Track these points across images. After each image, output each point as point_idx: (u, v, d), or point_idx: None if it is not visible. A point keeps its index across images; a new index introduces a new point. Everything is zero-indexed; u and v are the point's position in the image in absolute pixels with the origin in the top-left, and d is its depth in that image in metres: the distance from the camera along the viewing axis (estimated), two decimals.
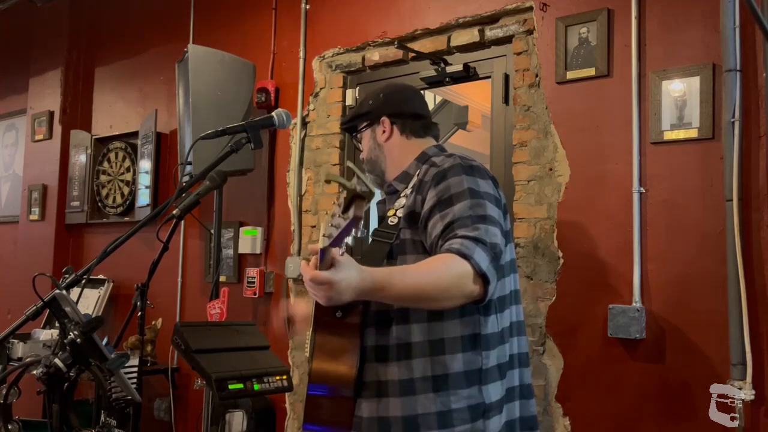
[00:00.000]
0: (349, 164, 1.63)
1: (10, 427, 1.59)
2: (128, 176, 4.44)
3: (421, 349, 1.53)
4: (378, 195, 1.74)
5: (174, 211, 1.80)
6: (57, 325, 1.63)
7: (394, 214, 1.62)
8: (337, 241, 1.23)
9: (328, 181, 1.50)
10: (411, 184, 1.66)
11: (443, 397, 1.50)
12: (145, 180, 4.27)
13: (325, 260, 1.28)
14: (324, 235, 1.26)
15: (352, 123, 1.85)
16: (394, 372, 1.54)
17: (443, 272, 1.39)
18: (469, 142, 4.94)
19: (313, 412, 1.56)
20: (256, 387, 2.43)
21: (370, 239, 1.65)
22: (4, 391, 1.59)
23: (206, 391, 3.18)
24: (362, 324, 1.55)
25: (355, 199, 1.17)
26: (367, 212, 1.81)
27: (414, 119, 1.78)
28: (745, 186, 2.26)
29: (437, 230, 1.50)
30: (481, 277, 1.40)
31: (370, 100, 1.81)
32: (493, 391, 1.53)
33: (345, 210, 1.19)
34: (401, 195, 1.66)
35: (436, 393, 1.51)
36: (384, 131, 1.76)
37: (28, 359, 1.64)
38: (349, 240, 1.35)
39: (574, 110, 2.66)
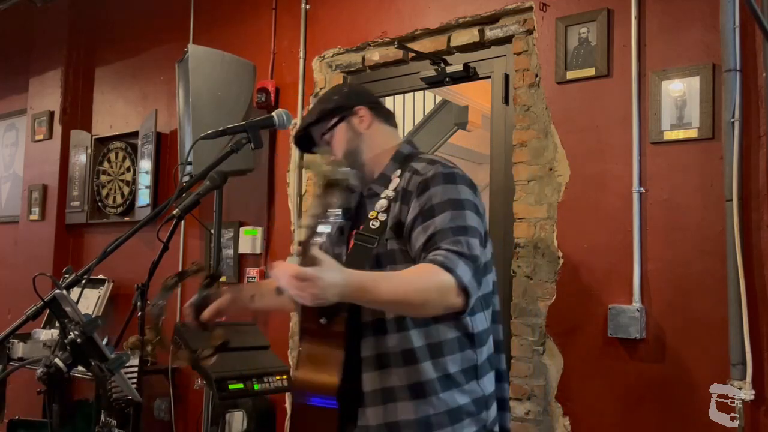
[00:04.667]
0: (311, 157, 1.64)
1: None
2: (128, 176, 4.44)
3: (423, 352, 1.58)
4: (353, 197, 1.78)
5: (174, 211, 1.80)
6: (57, 325, 1.63)
7: (376, 217, 1.65)
8: (316, 233, 1.26)
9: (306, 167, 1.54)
10: (393, 188, 1.68)
11: (450, 396, 1.57)
12: (145, 180, 4.27)
13: (308, 256, 1.27)
14: (307, 227, 1.28)
15: (323, 122, 1.77)
16: (401, 377, 1.58)
17: (426, 282, 1.45)
18: (469, 142, 4.94)
19: (300, 422, 1.62)
20: (256, 387, 2.44)
21: (353, 242, 1.67)
22: None
23: (206, 391, 3.18)
24: (350, 333, 1.57)
25: (332, 185, 1.22)
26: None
27: (381, 106, 1.82)
28: (744, 186, 2.26)
29: (420, 242, 1.55)
30: (463, 290, 1.45)
31: (335, 96, 1.80)
32: (488, 383, 1.64)
33: (323, 197, 1.23)
34: (381, 197, 1.69)
35: (444, 392, 1.57)
36: (362, 120, 1.75)
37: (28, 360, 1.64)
38: (327, 230, 1.37)
39: (574, 110, 2.66)
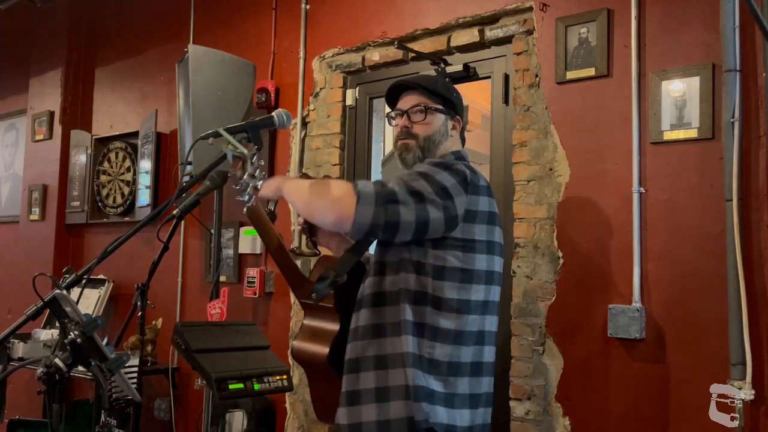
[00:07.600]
0: (222, 132, 1.78)
1: None
2: (128, 176, 4.44)
3: (363, 332, 1.69)
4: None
5: (174, 211, 1.81)
6: (57, 325, 1.64)
7: None
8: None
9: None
10: None
11: (381, 377, 1.64)
12: (145, 180, 4.27)
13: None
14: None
15: (434, 98, 1.89)
16: (348, 351, 1.71)
17: (327, 184, 1.65)
18: (469, 142, 4.94)
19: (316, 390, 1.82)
20: (256, 387, 2.44)
21: None
22: None
23: (206, 391, 3.18)
24: (340, 309, 1.74)
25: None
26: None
27: (463, 131, 1.98)
28: (744, 186, 2.26)
29: None
30: (357, 193, 1.55)
31: (455, 94, 1.94)
32: (436, 384, 1.63)
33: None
34: None
35: (376, 371, 1.65)
36: (455, 127, 1.93)
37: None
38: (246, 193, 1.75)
39: (573, 110, 2.66)
